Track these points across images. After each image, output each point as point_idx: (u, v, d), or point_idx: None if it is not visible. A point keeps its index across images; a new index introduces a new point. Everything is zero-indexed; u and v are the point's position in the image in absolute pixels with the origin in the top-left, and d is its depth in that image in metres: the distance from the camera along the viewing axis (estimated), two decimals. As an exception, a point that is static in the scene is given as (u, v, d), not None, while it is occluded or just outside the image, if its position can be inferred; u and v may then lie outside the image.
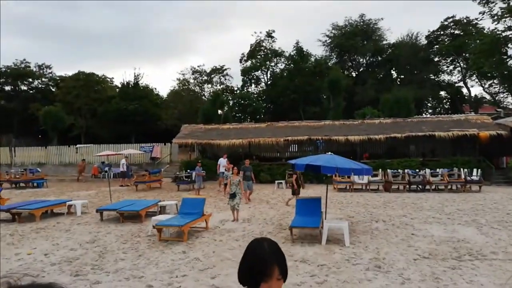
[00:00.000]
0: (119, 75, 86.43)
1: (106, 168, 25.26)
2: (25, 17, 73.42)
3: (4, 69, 44.25)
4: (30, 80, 46.94)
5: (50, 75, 48.25)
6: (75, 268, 6.51)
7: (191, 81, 46.56)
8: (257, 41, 44.02)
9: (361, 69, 46.01)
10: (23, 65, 45.52)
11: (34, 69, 46.86)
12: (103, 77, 45.61)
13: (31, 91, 46.87)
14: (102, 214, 10.99)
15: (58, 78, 46.86)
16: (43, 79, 48.06)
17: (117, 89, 43.71)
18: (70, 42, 75.80)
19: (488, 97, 40.32)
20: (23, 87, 46.92)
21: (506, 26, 27.11)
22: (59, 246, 8.06)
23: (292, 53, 42.73)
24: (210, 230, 9.35)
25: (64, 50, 76.47)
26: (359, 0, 66.65)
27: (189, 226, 8.61)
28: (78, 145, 32.24)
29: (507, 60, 28.77)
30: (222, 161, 18.72)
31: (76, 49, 75.50)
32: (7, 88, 46.17)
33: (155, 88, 45.79)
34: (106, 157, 26.13)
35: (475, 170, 17.72)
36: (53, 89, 46.51)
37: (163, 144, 29.72)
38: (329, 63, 43.11)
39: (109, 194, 14.91)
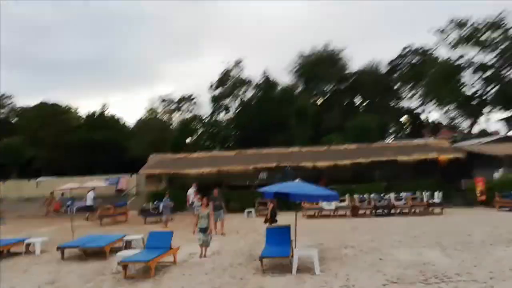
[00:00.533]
0: (86, 105, 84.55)
1: (69, 202, 24.20)
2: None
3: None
4: (-12, 110, 45.03)
5: (11, 105, 46.51)
6: (32, 313, 6.12)
7: (160, 109, 46.22)
8: (226, 70, 44.63)
9: (327, 96, 47.35)
10: (-20, 96, 43.75)
11: (-7, 100, 45.08)
12: (67, 107, 44.50)
13: (-12, 123, 44.85)
14: (64, 251, 10.44)
15: (18, 109, 45.27)
16: (2, 110, 46.21)
17: (81, 120, 42.69)
18: (33, 71, 73.95)
19: (445, 122, 42.40)
20: (-20, 118, 44.87)
21: (459, 55, 29.02)
22: (15, 289, 7.56)
23: (259, 82, 43.51)
24: (178, 264, 9.09)
25: (25, 79, 74.34)
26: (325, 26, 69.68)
27: (156, 261, 8.34)
28: (39, 179, 30.85)
29: (461, 87, 30.63)
30: (190, 191, 18.18)
31: (39, 78, 73.72)
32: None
33: (122, 118, 45.10)
34: (69, 191, 25.07)
35: (436, 193, 18.40)
36: (12, 121, 44.76)
37: (129, 175, 28.98)
38: (296, 91, 44.14)
39: (71, 230, 14.23)
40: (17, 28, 76.73)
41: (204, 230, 9.69)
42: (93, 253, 10.38)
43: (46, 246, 11.95)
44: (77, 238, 12.43)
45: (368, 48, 71.86)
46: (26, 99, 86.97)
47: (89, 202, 20.99)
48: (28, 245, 11.54)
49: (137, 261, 8.26)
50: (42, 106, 40.70)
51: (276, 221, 11.96)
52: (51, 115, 39.77)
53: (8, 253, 11.32)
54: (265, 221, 12.04)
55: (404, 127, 45.66)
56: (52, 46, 78.33)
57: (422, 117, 44.61)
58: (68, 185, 22.99)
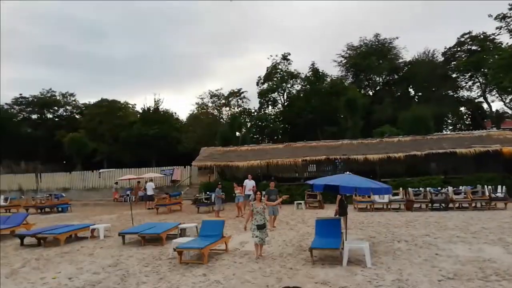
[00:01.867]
0: (140, 101, 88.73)
1: (128, 192, 25.75)
2: (49, 46, 76.90)
3: (31, 98, 46.27)
4: (56, 108, 48.84)
5: (74, 102, 50.09)
6: (98, 291, 6.64)
7: (210, 104, 47.38)
8: (273, 64, 44.65)
9: (378, 88, 45.84)
10: (49, 94, 47.52)
11: (59, 98, 48.76)
12: (125, 103, 47.06)
13: (57, 119, 48.70)
14: (124, 237, 11.18)
15: (82, 106, 48.63)
16: (67, 107, 49.91)
17: (138, 115, 44.90)
18: (91, 70, 78.77)
19: (510, 111, 39.37)
20: (49, 115, 48.82)
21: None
22: (83, 270, 8.23)
23: (308, 74, 43.08)
24: (230, 252, 9.38)
25: (85, 78, 79.43)
26: (375, 13, 67.10)
27: (209, 249, 8.67)
28: (101, 170, 33.04)
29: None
30: (249, 183, 17.38)
31: (97, 76, 78.38)
32: (34, 116, 48.12)
33: (175, 113, 46.82)
34: (128, 181, 26.65)
35: (499, 187, 17.21)
36: (77, 117, 48.20)
37: (183, 167, 30.15)
38: (345, 83, 43.20)
39: (131, 218, 15.16)
40: (70, 28, 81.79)
41: (261, 227, 8.58)
42: (150, 240, 11.00)
43: (109, 232, 12.88)
44: (136, 225, 13.24)
45: (422, 37, 68.18)
46: (87, 97, 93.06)
47: (149, 192, 22.11)
48: (93, 230, 12.48)
49: (191, 248, 8.63)
50: (102, 103, 43.38)
51: (346, 213, 11.38)
52: (110, 111, 42.34)
53: (76, 237, 12.34)
54: (336, 214, 11.56)
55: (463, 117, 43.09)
56: (106, 46, 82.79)
57: (483, 107, 41.77)
58: (127, 175, 24.53)
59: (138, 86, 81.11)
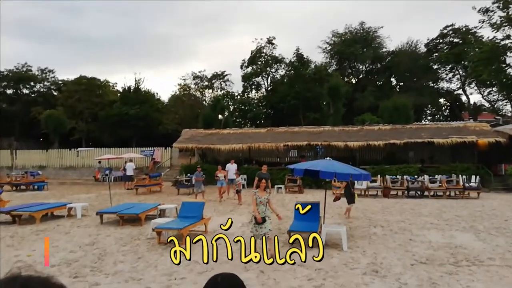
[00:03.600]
0: (120, 80, 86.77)
1: (107, 171, 25.40)
2: (27, 20, 73.84)
3: (6, 72, 44.55)
4: (32, 83, 47.21)
5: (53, 79, 48.54)
6: (74, 270, 6.57)
7: (192, 86, 46.82)
8: (258, 48, 44.30)
9: (361, 76, 46.25)
10: (24, 69, 45.85)
11: (36, 73, 47.15)
12: (105, 81, 45.93)
13: (33, 95, 47.16)
14: (102, 217, 11.05)
15: (60, 82, 47.19)
16: (45, 83, 48.34)
17: (118, 94, 43.96)
18: (72, 46, 76.29)
19: (487, 104, 40.50)
20: (25, 91, 47.23)
21: (505, 35, 27.34)
22: (59, 248, 8.12)
23: (292, 60, 42.98)
24: (209, 234, 9.41)
25: (65, 54, 76.92)
26: (360, 3, 67.06)
27: (188, 230, 8.67)
28: (79, 149, 32.37)
29: (506, 68, 28.95)
30: (231, 167, 17.09)
31: (78, 53, 76.01)
32: (9, 91, 46.44)
33: (156, 93, 46.09)
34: (107, 161, 26.26)
35: (473, 177, 17.79)
36: (55, 93, 46.80)
37: (163, 148, 29.86)
38: (329, 70, 43.35)
39: (109, 197, 14.99)
40: (51, 3, 78.69)
41: (263, 221, 7.30)
42: (129, 220, 10.92)
43: (86, 211, 12.71)
44: (115, 205, 13.10)
45: (406, 27, 68.73)
46: (66, 74, 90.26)
47: (129, 172, 21.84)
48: (70, 209, 12.29)
49: (170, 228, 8.61)
50: (81, 79, 42.21)
51: (353, 202, 11.37)
52: (89, 89, 41.29)
53: (52, 215, 12.13)
54: (335, 200, 11.58)
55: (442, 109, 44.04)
56: (86, 23, 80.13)
57: (462, 99, 42.80)
58: (107, 155, 24.12)
59: (118, 65, 79.20)
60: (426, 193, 17.11)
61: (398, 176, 18.27)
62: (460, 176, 17.72)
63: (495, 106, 39.08)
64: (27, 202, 14.84)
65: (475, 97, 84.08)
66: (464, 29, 39.05)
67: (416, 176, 18.48)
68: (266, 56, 44.45)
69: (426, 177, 18.00)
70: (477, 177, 17.73)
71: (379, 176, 18.36)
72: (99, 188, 21.91)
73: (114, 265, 6.86)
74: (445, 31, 40.20)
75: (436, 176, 18.13)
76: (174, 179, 22.31)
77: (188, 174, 20.44)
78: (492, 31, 27.76)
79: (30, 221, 10.98)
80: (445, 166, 20.51)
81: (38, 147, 34.37)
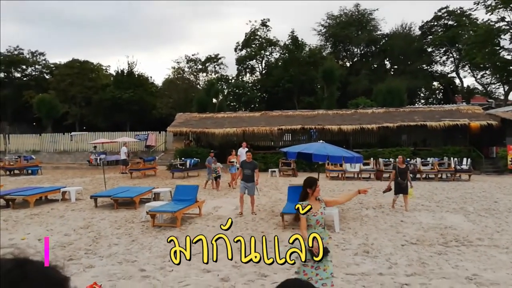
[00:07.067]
0: (113, 63, 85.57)
1: (102, 156, 25.34)
2: (17, 1, 72.12)
3: (-3, 55, 43.72)
4: (24, 67, 46.39)
5: (44, 62, 47.72)
6: (68, 252, 6.63)
7: (186, 69, 46.35)
8: (252, 30, 43.79)
9: (355, 59, 46.03)
10: (16, 52, 44.97)
11: (28, 56, 46.32)
12: (98, 65, 45.32)
13: (25, 78, 46.36)
14: (97, 200, 11.09)
15: (52, 66, 46.45)
16: (36, 66, 47.53)
17: (111, 77, 43.43)
18: (63, 29, 74.80)
19: (480, 87, 40.63)
20: (17, 74, 46.41)
21: (499, 17, 27.25)
22: (53, 231, 8.17)
23: (287, 43, 42.60)
24: (203, 217, 9.50)
25: (57, 37, 75.46)
26: (355, -11, 66.03)
27: (182, 212, 8.75)
28: (72, 133, 32.15)
29: (500, 51, 28.97)
30: (243, 152, 15.12)
31: (69, 35, 74.55)
32: (1, 75, 45.66)
33: (150, 77, 45.57)
34: (101, 145, 26.17)
35: (465, 159, 18.02)
36: (47, 77, 46.10)
37: (158, 132, 29.78)
38: (323, 53, 43.06)
39: (103, 181, 15.01)
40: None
41: (325, 252, 4.02)
42: (123, 203, 10.97)
43: (81, 195, 12.73)
44: (109, 189, 13.13)
45: (401, 9, 68.04)
46: (57, 57, 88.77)
47: (123, 156, 21.81)
48: (64, 193, 12.30)
49: (164, 211, 8.68)
50: (73, 63, 41.57)
51: (401, 192, 10.24)
52: (82, 73, 40.72)
53: (46, 199, 12.14)
54: (385, 191, 10.63)
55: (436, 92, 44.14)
56: (78, 4, 78.42)
57: (455, 82, 42.88)
58: (101, 139, 24.00)
59: (110, 48, 77.86)
60: (418, 175, 17.31)
61: (391, 159, 18.44)
62: (452, 158, 17.93)
63: (488, 89, 39.25)
64: (21, 186, 14.82)
65: (469, 80, 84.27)
66: (458, 11, 38.81)
67: (408, 159, 18.63)
68: (260, 39, 43.98)
69: (419, 159, 18.19)
70: (469, 159, 17.96)
71: (372, 159, 18.53)
72: (94, 172, 21.89)
73: (108, 247, 6.93)
74: (439, 14, 39.94)
75: (428, 159, 18.34)
76: (169, 163, 22.34)
77: (183, 158, 20.46)
78: (487, 13, 27.64)
79: (24, 205, 11.00)
80: (437, 149, 20.71)
81: (31, 132, 34.04)
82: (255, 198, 10.33)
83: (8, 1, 70.20)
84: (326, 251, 3.98)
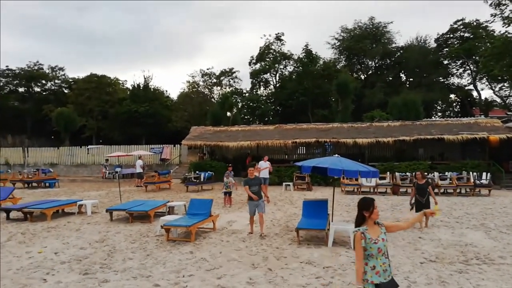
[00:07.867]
0: (129, 77, 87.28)
1: (118, 169, 25.64)
2: (36, 19, 74.65)
3: (18, 71, 45.14)
4: (43, 82, 47.82)
5: (63, 77, 49.09)
6: (84, 266, 6.65)
7: (201, 83, 46.92)
8: (266, 44, 44.18)
9: (370, 72, 45.85)
10: (36, 67, 46.44)
11: (47, 71, 47.71)
12: (115, 79, 46.33)
13: (44, 93, 47.76)
14: (112, 214, 11.17)
15: (71, 80, 47.74)
16: (56, 81, 48.92)
17: (128, 92, 44.26)
18: (81, 45, 76.92)
19: (498, 100, 39.87)
20: (37, 89, 47.86)
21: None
22: (69, 245, 8.22)
23: (301, 56, 42.80)
24: (217, 231, 9.45)
25: (75, 52, 77.59)
26: (368, 1, 66.42)
27: (196, 227, 8.72)
28: (89, 146, 32.71)
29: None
30: (264, 165, 15.54)
31: (87, 51, 76.58)
32: (21, 89, 47.08)
33: (166, 91, 46.31)
34: (116, 158, 26.47)
35: (484, 173, 17.57)
36: (65, 91, 47.32)
37: (172, 145, 30.05)
38: (337, 66, 43.06)
39: (119, 194, 15.13)
40: (59, 2, 79.30)
41: None
42: (138, 217, 11.01)
43: (97, 208, 12.86)
44: (124, 202, 13.22)
45: (416, 22, 67.84)
46: (76, 72, 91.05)
47: (138, 169, 22.03)
48: (80, 206, 12.44)
49: (179, 225, 8.66)
50: (91, 77, 42.60)
51: (421, 209, 8.63)
52: (99, 87, 41.68)
53: (63, 212, 12.29)
54: (412, 203, 10.26)
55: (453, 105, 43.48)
56: (95, 21, 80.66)
57: (473, 95, 42.19)
58: (116, 153, 24.28)
59: (126, 62, 79.64)
60: (436, 190, 16.92)
61: (407, 173, 18.11)
62: (470, 173, 17.52)
63: (507, 101, 38.49)
64: (38, 199, 15.06)
65: (486, 93, 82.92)
66: (475, 23, 38.44)
67: (426, 173, 18.29)
68: (274, 53, 44.29)
69: (436, 174, 17.82)
70: (488, 174, 17.51)
71: (388, 173, 18.24)
72: (109, 185, 22.14)
73: (123, 262, 6.93)
74: (455, 26, 39.62)
75: (446, 173, 17.94)
76: (183, 176, 22.44)
77: (197, 171, 20.54)
78: (504, 25, 27.23)
79: (42, 218, 11.15)
80: (455, 163, 20.27)
81: (49, 145, 34.82)
82: (263, 216, 9.20)
83: (31, 20, 72.74)
84: (395, 286, 3.56)
